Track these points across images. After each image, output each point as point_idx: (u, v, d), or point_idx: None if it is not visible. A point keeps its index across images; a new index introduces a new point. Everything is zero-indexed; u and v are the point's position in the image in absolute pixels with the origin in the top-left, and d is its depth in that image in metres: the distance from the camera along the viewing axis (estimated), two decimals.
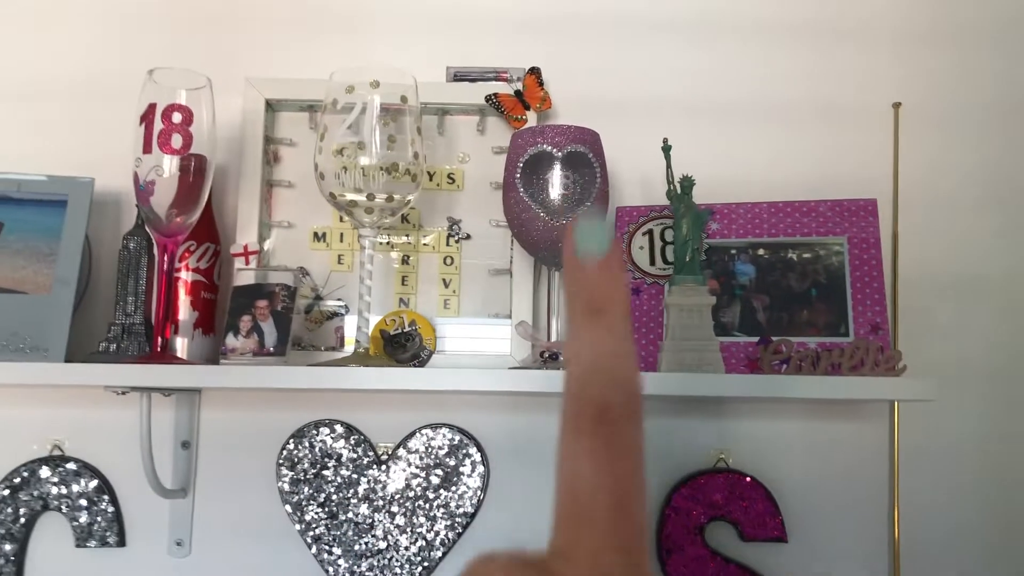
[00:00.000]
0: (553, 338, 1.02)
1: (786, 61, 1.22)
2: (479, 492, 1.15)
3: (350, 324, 1.16)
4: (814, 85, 1.22)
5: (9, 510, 1.15)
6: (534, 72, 1.15)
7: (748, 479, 1.13)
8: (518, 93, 1.15)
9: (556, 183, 0.97)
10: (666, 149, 1.01)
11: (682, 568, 1.11)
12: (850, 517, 1.14)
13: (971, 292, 1.17)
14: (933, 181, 1.19)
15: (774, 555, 1.13)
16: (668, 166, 1.01)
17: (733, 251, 1.11)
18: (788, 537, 1.12)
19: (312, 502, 1.14)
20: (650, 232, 1.14)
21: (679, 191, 1.00)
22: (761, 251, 1.11)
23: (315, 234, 1.18)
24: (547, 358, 0.98)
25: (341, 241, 1.18)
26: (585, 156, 0.98)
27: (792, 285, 1.09)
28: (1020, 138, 1.20)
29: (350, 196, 0.98)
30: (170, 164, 0.97)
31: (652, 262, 1.13)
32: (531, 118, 1.15)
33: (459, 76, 1.18)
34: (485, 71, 1.17)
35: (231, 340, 1.01)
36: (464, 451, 1.15)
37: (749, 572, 1.11)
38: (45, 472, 1.16)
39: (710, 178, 1.15)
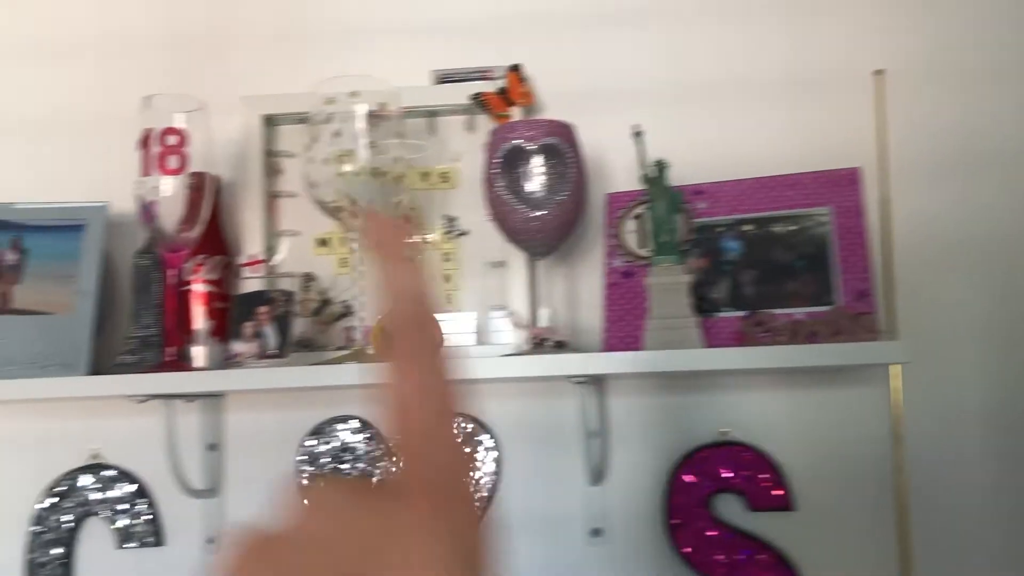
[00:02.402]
0: (542, 324, 1.05)
1: (764, 35, 1.23)
2: (493, 476, 1.19)
3: (355, 324, 1.21)
4: (794, 57, 1.23)
5: (55, 517, 1.23)
6: (516, 69, 1.18)
7: (751, 451, 1.15)
8: (502, 91, 1.18)
9: (532, 175, 1.00)
10: (635, 135, 1.04)
11: (691, 539, 1.14)
12: (856, 484, 1.16)
13: (965, 255, 1.17)
14: (921, 146, 1.19)
15: (782, 524, 1.14)
16: (641, 151, 1.03)
17: (720, 228, 1.13)
18: (795, 506, 1.14)
19: None
20: (640, 216, 1.17)
21: (653, 175, 1.03)
22: (748, 227, 1.13)
23: (319, 240, 1.24)
24: (536, 344, 1.02)
25: (343, 245, 1.23)
26: (559, 148, 1.01)
27: (778, 258, 1.11)
28: (1007, 100, 1.19)
29: (338, 203, 1.03)
30: (169, 184, 1.03)
31: (643, 245, 1.16)
32: (516, 114, 1.18)
33: (445, 78, 1.22)
34: (469, 71, 1.21)
35: (236, 345, 1.07)
36: (476, 438, 1.20)
37: (758, 541, 1.13)
38: (86, 480, 1.24)
39: (698, 158, 1.17)
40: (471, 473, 0.28)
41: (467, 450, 0.28)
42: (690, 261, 1.08)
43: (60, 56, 1.34)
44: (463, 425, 0.28)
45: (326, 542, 0.28)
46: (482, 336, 1.19)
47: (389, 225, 0.36)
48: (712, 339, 1.05)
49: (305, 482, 0.29)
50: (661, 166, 1.02)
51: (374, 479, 0.29)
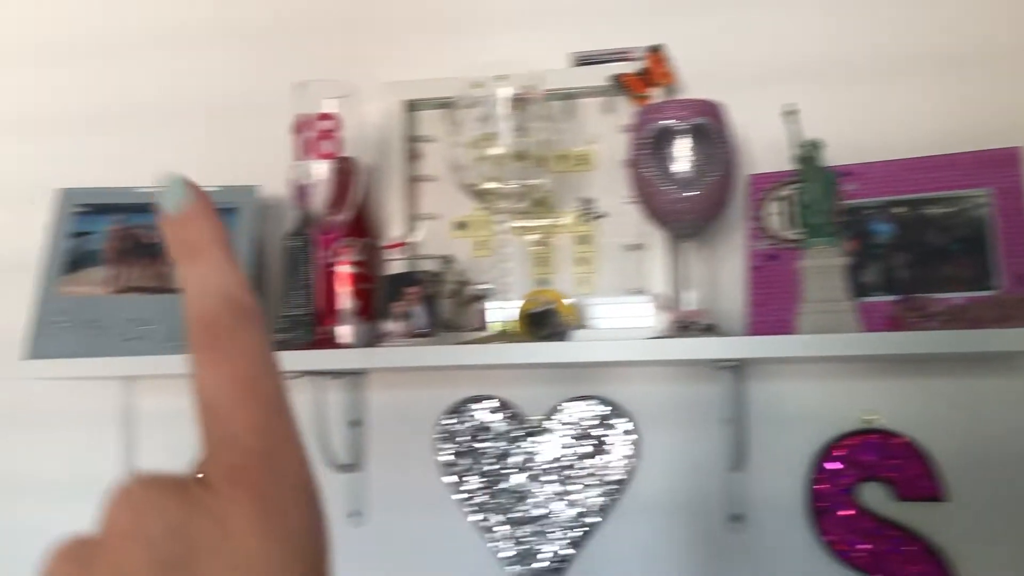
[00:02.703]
0: (688, 308, 1.04)
1: (918, 8, 1.19)
2: (630, 460, 1.19)
3: (493, 306, 1.22)
4: (949, 31, 1.18)
5: None
6: (657, 49, 1.17)
7: (899, 439, 1.12)
8: (642, 71, 1.17)
9: (680, 156, 0.99)
10: (787, 115, 1.02)
11: (836, 528, 1.12)
12: (1013, 477, 1.11)
13: None
14: None
15: (932, 514, 1.11)
16: (792, 132, 1.01)
17: (870, 211, 1.10)
18: (945, 496, 1.10)
19: (471, 473, 1.22)
20: (785, 197, 1.15)
21: (805, 155, 1.00)
22: (900, 208, 1.09)
23: (457, 223, 1.25)
24: (682, 327, 1.01)
25: (481, 228, 1.25)
26: (709, 128, 1.00)
27: (932, 241, 1.07)
28: None
29: (485, 185, 1.04)
30: (322, 168, 1.06)
31: (788, 227, 1.14)
32: (656, 95, 1.17)
33: (583, 60, 1.22)
34: (608, 53, 1.21)
35: (386, 324, 1.09)
36: (612, 421, 1.20)
37: (907, 531, 1.10)
38: None
39: (846, 139, 1.14)
40: (306, 468, 0.26)
41: (301, 442, 0.26)
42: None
43: (210, 44, 1.40)
44: (294, 416, 0.27)
45: (141, 539, 0.26)
46: (619, 320, 1.19)
47: (191, 216, 0.32)
48: (862, 323, 1.03)
49: (122, 481, 0.28)
50: (815, 146, 1.00)
51: (191, 474, 0.28)
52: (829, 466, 1.13)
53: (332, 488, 1.27)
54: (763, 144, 1.20)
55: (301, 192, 1.07)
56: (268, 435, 0.28)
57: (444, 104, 1.25)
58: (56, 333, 1.15)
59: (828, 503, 1.13)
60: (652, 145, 1.01)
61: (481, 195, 1.05)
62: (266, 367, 0.30)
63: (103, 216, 1.21)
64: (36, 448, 1.39)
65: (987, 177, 1.06)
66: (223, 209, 1.20)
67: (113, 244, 1.20)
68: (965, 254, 1.05)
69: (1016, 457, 1.11)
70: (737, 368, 1.12)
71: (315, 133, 1.06)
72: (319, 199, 1.07)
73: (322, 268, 1.08)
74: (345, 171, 1.08)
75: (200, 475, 0.28)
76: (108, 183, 1.28)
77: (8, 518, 1.39)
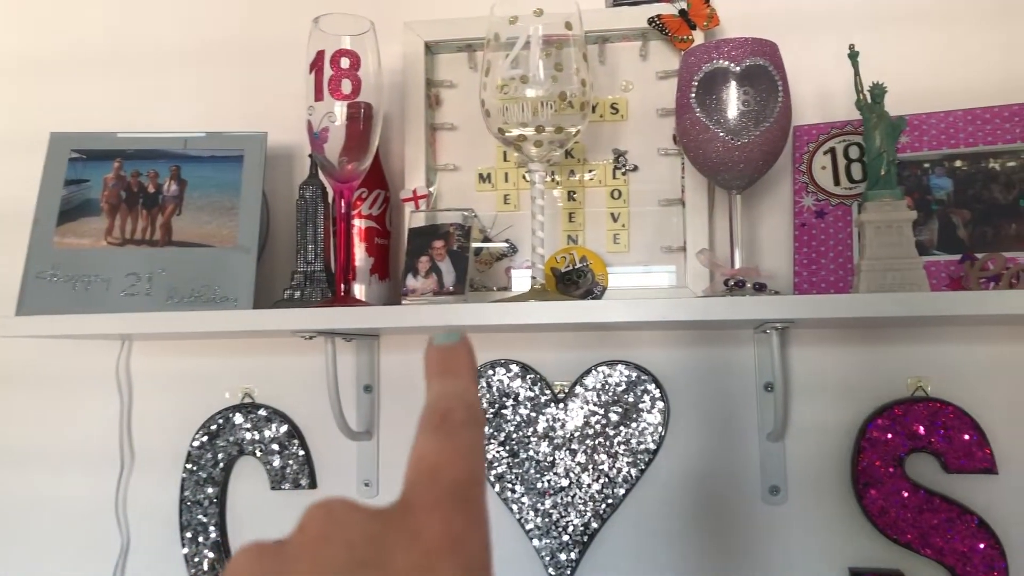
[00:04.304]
0: (737, 265, 0.97)
1: None
2: (660, 428, 1.12)
3: (520, 264, 1.15)
4: None
5: (208, 455, 1.21)
6: None
7: (951, 408, 1.05)
8: (683, 12, 1.09)
9: (734, 100, 0.92)
10: (853, 56, 0.94)
11: (881, 502, 1.06)
12: None
13: None
14: None
15: (982, 488, 1.05)
16: (856, 74, 0.94)
17: (926, 164, 1.03)
18: (998, 468, 1.04)
19: (493, 441, 1.15)
20: (832, 150, 1.07)
21: (870, 100, 0.93)
22: (958, 162, 1.02)
23: (480, 175, 1.17)
24: (732, 285, 0.94)
25: (506, 181, 1.16)
26: (765, 69, 0.92)
27: (996, 197, 1.00)
28: None
29: (517, 131, 0.96)
30: (341, 110, 0.98)
31: (836, 182, 1.06)
32: (697, 38, 1.09)
33: (619, 1, 1.13)
34: None
35: (411, 281, 1.01)
36: (642, 387, 1.13)
37: (956, 505, 1.04)
38: (238, 419, 1.21)
39: (900, 88, 1.06)
40: (489, 549, 0.27)
41: (488, 530, 0.28)
42: None
43: None
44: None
45: (339, 542, 0.28)
46: (653, 279, 1.12)
47: (449, 351, 0.37)
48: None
49: (320, 499, 0.29)
50: (879, 91, 0.92)
51: (385, 505, 0.30)
52: (875, 436, 1.07)
53: (343, 457, 1.20)
54: (805, 95, 1.13)
55: (318, 137, 0.98)
56: (465, 501, 0.30)
57: (467, 46, 1.17)
58: (49, 288, 1.06)
59: (873, 475, 1.07)
60: (702, 88, 0.93)
61: (512, 142, 0.97)
62: (477, 467, 0.32)
63: (101, 163, 1.12)
64: (28, 411, 1.31)
65: None
66: (231, 157, 1.11)
67: (111, 193, 1.11)
68: None
69: None
70: (781, 331, 1.04)
71: (333, 72, 0.97)
72: (336, 145, 0.99)
73: (339, 221, 1.00)
74: (364, 116, 0.99)
75: (393, 505, 0.30)
76: (107, 128, 1.18)
77: None
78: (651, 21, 1.10)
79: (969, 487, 1.05)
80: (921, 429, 1.06)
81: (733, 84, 0.92)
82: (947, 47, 1.10)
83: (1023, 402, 1.06)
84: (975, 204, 1.01)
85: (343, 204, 1.00)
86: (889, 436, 1.06)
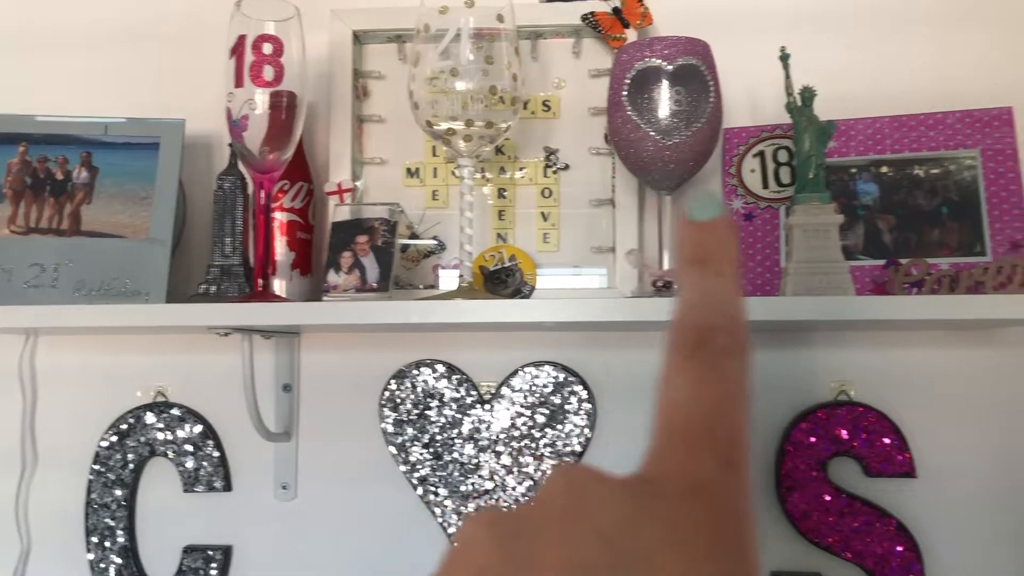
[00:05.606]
0: (665, 267, 0.96)
1: None
2: (586, 430, 1.11)
3: (447, 262, 1.12)
4: None
5: (118, 456, 1.16)
6: None
7: (873, 412, 1.06)
8: (616, 10, 1.08)
9: (665, 100, 0.91)
10: (784, 58, 0.94)
11: (803, 506, 1.06)
12: (985, 452, 1.07)
13: None
14: None
15: (902, 492, 1.06)
16: (787, 76, 0.93)
17: (853, 170, 1.04)
18: (917, 472, 1.06)
19: (416, 443, 1.12)
20: (761, 153, 1.07)
21: (800, 103, 0.93)
22: (885, 168, 1.03)
23: (408, 170, 1.14)
24: (660, 287, 0.93)
25: (435, 176, 1.14)
26: (697, 69, 0.91)
27: (920, 203, 1.01)
28: None
29: (446, 124, 0.94)
30: (262, 98, 0.94)
31: (765, 185, 1.07)
32: (631, 36, 1.08)
33: None
34: None
35: (332, 277, 0.98)
36: (570, 389, 1.11)
37: (876, 509, 1.05)
38: (150, 418, 1.16)
39: (828, 92, 1.06)
40: (753, 525, 0.23)
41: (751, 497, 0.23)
42: None
43: None
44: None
45: (589, 528, 0.24)
46: (583, 279, 1.10)
47: (714, 227, 0.30)
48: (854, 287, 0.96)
49: (560, 465, 0.25)
50: (808, 94, 0.92)
51: (635, 476, 0.26)
52: (798, 439, 1.07)
53: (261, 459, 1.16)
54: (736, 97, 1.12)
55: (237, 125, 0.94)
56: (724, 448, 0.26)
57: (395, 36, 1.14)
58: None
59: (796, 479, 1.07)
60: (634, 87, 0.92)
61: (441, 136, 0.94)
62: (741, 405, 0.27)
63: (4, 147, 1.06)
64: None
65: (977, 137, 1.01)
66: (146, 144, 1.06)
67: (15, 179, 1.05)
68: (954, 218, 1.00)
69: (987, 433, 1.07)
70: None
71: (255, 57, 0.93)
72: (257, 134, 0.95)
73: (258, 213, 0.96)
74: (287, 105, 0.96)
75: (645, 478, 0.26)
76: (11, 110, 1.12)
77: None
78: (585, 18, 1.08)
79: (889, 490, 1.06)
80: (844, 433, 1.06)
81: (665, 83, 0.91)
82: (878, 54, 1.11)
83: (942, 407, 1.07)
84: (900, 210, 1.02)
85: (263, 196, 0.96)
86: (812, 440, 1.07)
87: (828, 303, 0.84)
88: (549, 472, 0.25)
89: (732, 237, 0.31)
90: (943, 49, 1.10)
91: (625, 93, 0.92)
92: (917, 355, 1.08)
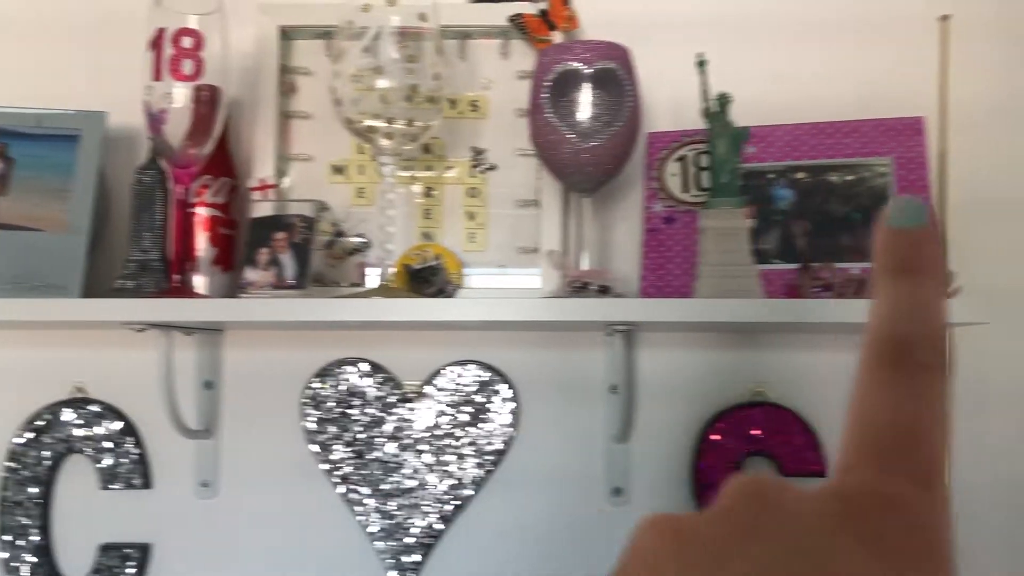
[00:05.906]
0: (584, 267, 0.97)
1: None
2: (509, 429, 1.12)
3: (371, 260, 1.12)
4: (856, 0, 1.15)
5: (33, 453, 1.14)
6: None
7: (787, 412, 1.09)
8: (543, 13, 1.09)
9: (585, 103, 0.92)
10: (700, 64, 0.95)
11: None
12: None
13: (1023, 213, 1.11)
14: (985, 98, 1.12)
15: None
16: (704, 82, 0.95)
17: (771, 175, 1.06)
18: (830, 472, 1.08)
19: (338, 441, 1.12)
20: (683, 158, 1.09)
21: (715, 109, 0.95)
22: (801, 174, 1.06)
23: (334, 167, 1.14)
24: (577, 287, 0.94)
25: (361, 174, 1.14)
26: (615, 73, 0.92)
27: (834, 209, 1.04)
28: None
29: (368, 122, 0.94)
30: (182, 92, 0.93)
31: (686, 189, 1.08)
32: (557, 39, 1.09)
33: None
34: None
35: (249, 273, 0.97)
36: (493, 388, 1.12)
37: None
38: (68, 415, 1.14)
39: (745, 99, 1.08)
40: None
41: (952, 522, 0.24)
42: None
43: None
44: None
45: (765, 549, 0.24)
46: (508, 279, 1.11)
47: (914, 239, 0.29)
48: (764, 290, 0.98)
49: (747, 474, 0.24)
50: (724, 100, 0.94)
51: (807, 485, 0.26)
52: (714, 439, 1.09)
53: (180, 456, 1.15)
54: (660, 102, 1.14)
55: (155, 119, 0.93)
56: (921, 468, 0.25)
57: (324, 33, 1.13)
58: None
59: (712, 477, 1.09)
60: (554, 89, 0.93)
61: (363, 133, 0.94)
62: (941, 423, 0.26)
63: None
64: None
65: (890, 146, 1.04)
66: (63, 136, 1.05)
67: None
68: (865, 224, 1.03)
69: None
70: (627, 334, 1.05)
71: (174, 51, 0.93)
72: (176, 128, 0.94)
73: (177, 208, 0.95)
74: (207, 99, 0.95)
75: (835, 492, 0.25)
76: None
77: None
78: (512, 19, 1.09)
79: None
80: (758, 432, 1.09)
81: (584, 86, 0.92)
82: (796, 61, 1.14)
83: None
84: (815, 215, 1.04)
85: (181, 191, 0.95)
86: (728, 439, 1.09)
87: (737, 305, 0.86)
88: (730, 481, 0.26)
89: (937, 247, 0.29)
90: (860, 58, 1.13)
91: (545, 95, 0.93)
92: (829, 357, 1.10)
